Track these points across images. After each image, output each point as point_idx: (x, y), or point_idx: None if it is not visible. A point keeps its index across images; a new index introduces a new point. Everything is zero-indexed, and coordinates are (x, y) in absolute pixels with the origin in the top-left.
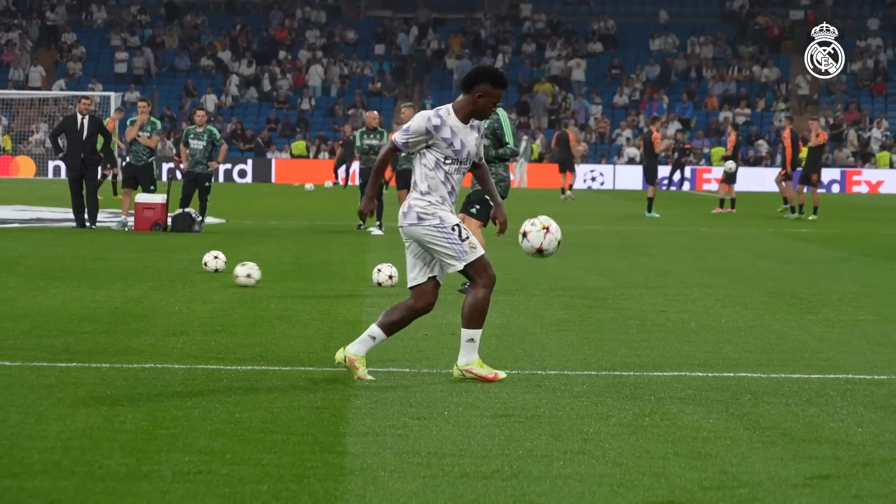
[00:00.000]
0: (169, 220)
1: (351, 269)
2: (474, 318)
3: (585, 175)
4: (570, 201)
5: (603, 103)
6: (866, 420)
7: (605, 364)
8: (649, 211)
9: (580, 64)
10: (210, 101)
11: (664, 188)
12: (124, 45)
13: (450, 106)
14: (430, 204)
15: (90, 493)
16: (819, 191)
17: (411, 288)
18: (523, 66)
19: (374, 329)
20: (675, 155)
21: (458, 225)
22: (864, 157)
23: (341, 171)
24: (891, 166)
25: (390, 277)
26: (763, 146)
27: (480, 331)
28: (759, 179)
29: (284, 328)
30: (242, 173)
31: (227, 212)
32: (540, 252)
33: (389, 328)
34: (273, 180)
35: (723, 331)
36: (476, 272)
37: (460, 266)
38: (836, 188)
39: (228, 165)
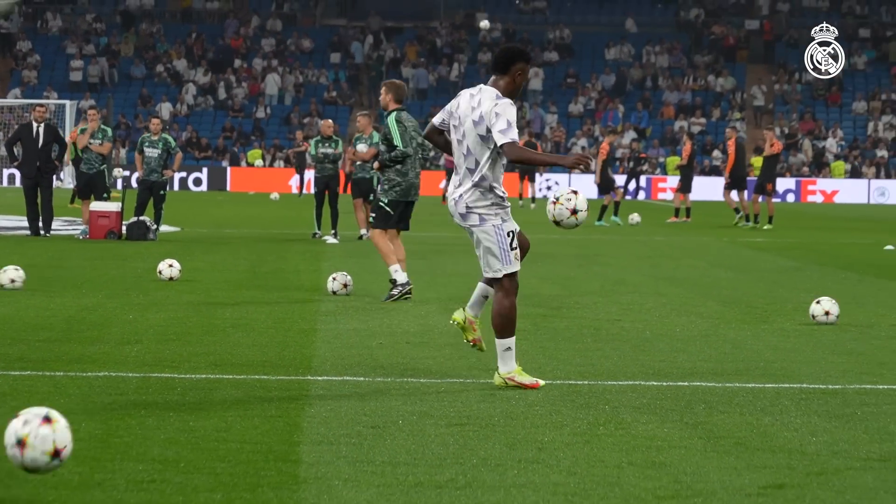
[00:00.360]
0: (124, 228)
1: (306, 277)
2: (506, 326)
3: (541, 184)
4: (530, 209)
5: (558, 112)
6: (820, 429)
7: (559, 373)
8: (599, 219)
9: (536, 73)
10: (165, 109)
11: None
12: (79, 53)
13: (491, 88)
14: (493, 204)
15: (43, 501)
16: (774, 200)
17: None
18: (479, 75)
19: (482, 287)
20: (631, 164)
21: (513, 231)
22: (819, 166)
23: (295, 179)
24: (846, 176)
25: (345, 286)
26: (718, 156)
27: (514, 338)
28: (714, 189)
29: (239, 336)
30: (198, 181)
31: (182, 220)
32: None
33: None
34: (228, 189)
35: (677, 340)
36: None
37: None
38: (791, 197)
39: (184, 174)
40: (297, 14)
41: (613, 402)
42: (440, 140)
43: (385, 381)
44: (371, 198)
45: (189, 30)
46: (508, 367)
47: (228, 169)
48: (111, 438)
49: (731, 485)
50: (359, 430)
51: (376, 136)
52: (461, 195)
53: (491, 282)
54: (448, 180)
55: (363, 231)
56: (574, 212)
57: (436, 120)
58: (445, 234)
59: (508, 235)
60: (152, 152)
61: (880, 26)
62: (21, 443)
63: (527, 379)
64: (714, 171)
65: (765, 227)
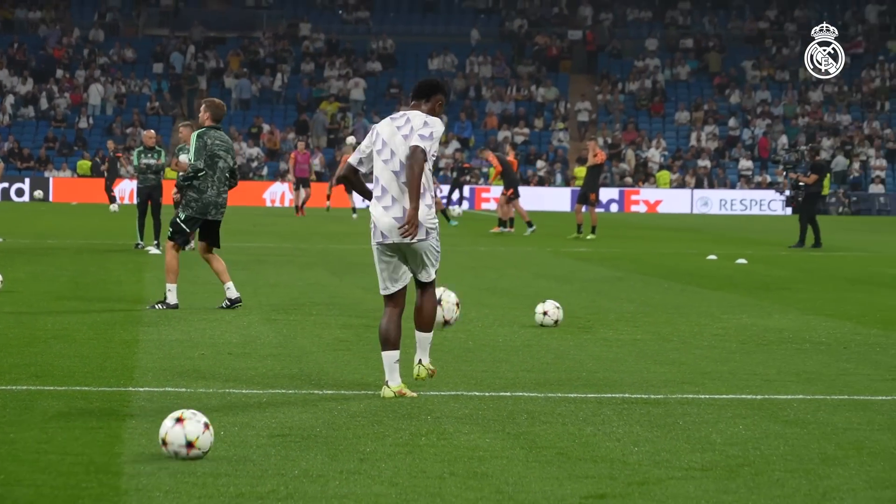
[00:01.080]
0: None
1: (128, 288)
2: (433, 321)
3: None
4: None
5: None
6: (643, 439)
7: (381, 383)
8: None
9: (359, 83)
10: None
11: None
12: None
13: (417, 112)
14: (434, 216)
15: None
16: (597, 210)
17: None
18: (302, 85)
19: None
20: (454, 174)
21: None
22: (643, 176)
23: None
24: (671, 186)
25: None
26: (542, 165)
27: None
28: (537, 199)
29: (60, 347)
30: (20, 192)
31: (4, 230)
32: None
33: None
34: (51, 199)
35: (500, 350)
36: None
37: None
38: (614, 207)
39: (6, 184)
40: (119, 24)
41: (436, 412)
42: (355, 180)
43: (207, 392)
44: None
45: (11, 40)
46: (427, 356)
47: (51, 179)
48: None
49: (552, 495)
50: None
51: None
52: (404, 210)
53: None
54: (297, 194)
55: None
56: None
57: (352, 160)
58: (268, 245)
59: (438, 239)
60: None
61: (703, 37)
62: (164, 443)
63: (431, 368)
64: (539, 182)
65: (588, 237)
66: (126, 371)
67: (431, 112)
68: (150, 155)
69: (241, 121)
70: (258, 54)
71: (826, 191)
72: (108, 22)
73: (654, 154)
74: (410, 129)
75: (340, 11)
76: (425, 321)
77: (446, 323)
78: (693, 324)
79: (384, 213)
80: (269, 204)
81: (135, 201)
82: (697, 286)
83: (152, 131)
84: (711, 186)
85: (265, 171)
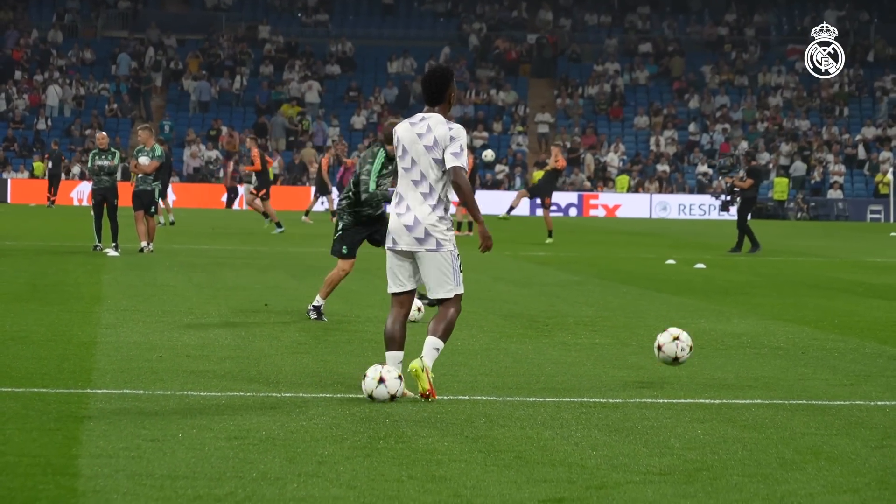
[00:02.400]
0: None
1: (86, 290)
2: (448, 333)
3: (323, 198)
4: (308, 224)
5: (341, 125)
6: (601, 443)
7: (340, 386)
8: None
9: (316, 86)
10: None
11: None
12: None
13: (436, 114)
14: (449, 229)
15: None
16: (557, 214)
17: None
18: (261, 87)
19: (433, 341)
20: None
21: (459, 254)
22: (602, 180)
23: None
24: (629, 190)
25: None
26: (502, 169)
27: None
28: (496, 203)
29: (18, 349)
30: None
31: None
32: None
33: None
34: (9, 200)
35: (458, 354)
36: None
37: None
38: (573, 212)
39: None
40: (77, 25)
41: (394, 415)
42: None
43: (165, 395)
44: (153, 210)
45: None
46: (430, 364)
47: (9, 181)
48: None
49: (510, 498)
50: (138, 444)
51: (158, 149)
52: (417, 219)
53: (435, 302)
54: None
55: (144, 243)
56: (676, 359)
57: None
58: (227, 248)
59: (458, 258)
60: None
61: (662, 41)
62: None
63: (430, 384)
64: (495, 185)
65: (547, 241)
66: (84, 373)
67: (446, 108)
68: (103, 157)
69: (199, 123)
70: (217, 56)
71: (784, 196)
72: (67, 23)
73: (613, 158)
74: (434, 141)
75: (300, 14)
76: (438, 327)
77: (676, 360)
78: (652, 328)
79: (397, 219)
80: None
81: (91, 203)
82: (656, 291)
83: (104, 133)
84: (670, 191)
85: (222, 173)
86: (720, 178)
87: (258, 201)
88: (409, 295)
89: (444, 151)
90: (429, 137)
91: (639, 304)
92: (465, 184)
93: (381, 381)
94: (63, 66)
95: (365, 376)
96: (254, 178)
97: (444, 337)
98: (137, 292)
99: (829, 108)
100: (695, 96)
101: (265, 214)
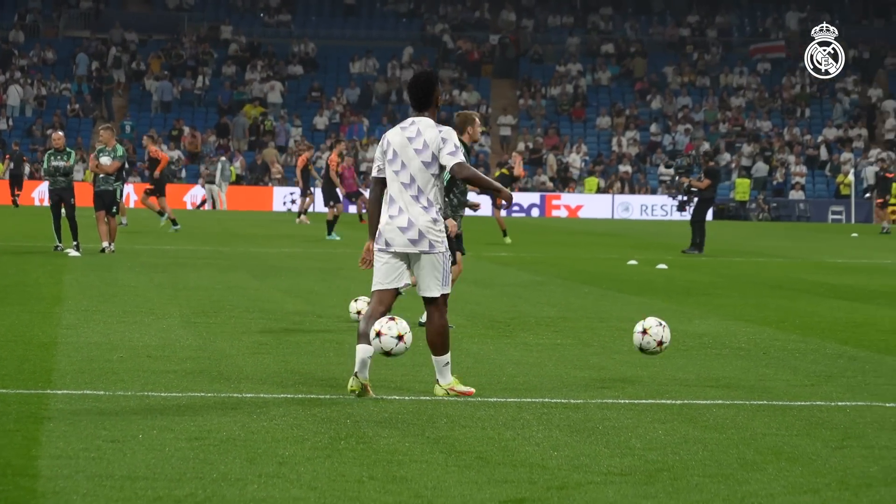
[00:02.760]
0: None
1: (47, 290)
2: (444, 343)
3: (285, 197)
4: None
5: (303, 126)
6: (562, 443)
7: (301, 387)
8: (329, 234)
9: (279, 86)
10: None
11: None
12: None
13: (426, 118)
14: (441, 231)
15: None
16: (520, 215)
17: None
18: (223, 88)
19: (438, 359)
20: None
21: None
22: (564, 181)
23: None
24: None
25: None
26: None
27: (450, 352)
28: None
29: None
30: None
31: None
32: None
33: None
34: None
35: (420, 354)
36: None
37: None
38: (535, 212)
39: None
40: (39, 25)
41: (355, 416)
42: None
43: (125, 395)
44: (114, 210)
45: None
46: (447, 380)
47: None
48: None
49: (471, 499)
50: (98, 445)
51: (120, 149)
52: (410, 220)
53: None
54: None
55: (105, 244)
56: (660, 343)
57: (376, 174)
58: (188, 248)
59: (449, 259)
60: None
61: (624, 42)
62: (378, 335)
63: (463, 388)
64: None
65: (507, 241)
66: (44, 373)
67: (435, 112)
68: (59, 157)
69: (161, 123)
70: (180, 56)
71: (746, 196)
72: (28, 23)
73: (576, 159)
74: (423, 144)
75: (262, 14)
76: (431, 342)
77: (660, 344)
78: (613, 329)
79: (389, 222)
80: (189, 207)
81: (48, 204)
82: (618, 291)
83: (60, 133)
84: (633, 192)
85: (184, 173)
86: (677, 177)
87: (151, 199)
88: (391, 292)
89: (434, 154)
90: (418, 141)
91: (601, 305)
92: (471, 173)
93: (400, 338)
94: (24, 66)
95: (380, 334)
96: (151, 175)
97: (444, 349)
98: (98, 293)
99: (791, 110)
100: (657, 97)
101: (160, 213)
